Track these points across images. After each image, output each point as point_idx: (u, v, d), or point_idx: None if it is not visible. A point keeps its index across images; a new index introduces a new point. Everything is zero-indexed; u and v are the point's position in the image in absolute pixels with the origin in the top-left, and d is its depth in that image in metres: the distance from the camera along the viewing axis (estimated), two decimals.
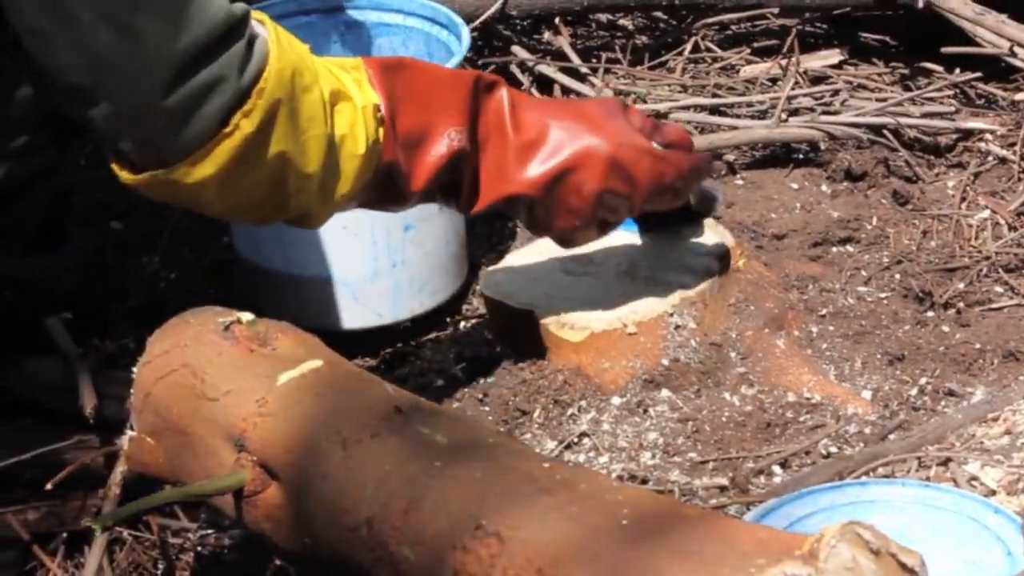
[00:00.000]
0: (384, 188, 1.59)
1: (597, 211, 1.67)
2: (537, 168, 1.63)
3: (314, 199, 1.52)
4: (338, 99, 1.51)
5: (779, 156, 2.34)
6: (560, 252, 1.84)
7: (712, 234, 1.93)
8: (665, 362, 1.85)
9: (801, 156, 2.34)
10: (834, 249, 2.16)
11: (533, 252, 1.95)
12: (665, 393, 1.85)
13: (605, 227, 1.71)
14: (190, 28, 1.38)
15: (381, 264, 1.97)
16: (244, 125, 1.43)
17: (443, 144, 1.59)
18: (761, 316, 1.91)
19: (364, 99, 1.53)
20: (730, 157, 2.35)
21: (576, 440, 1.76)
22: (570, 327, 1.84)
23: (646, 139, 1.68)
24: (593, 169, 1.64)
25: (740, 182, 2.31)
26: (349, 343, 1.85)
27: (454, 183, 1.64)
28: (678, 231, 1.87)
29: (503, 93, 1.65)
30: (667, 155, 1.69)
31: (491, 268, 1.97)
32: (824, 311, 1.99)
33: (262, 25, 1.47)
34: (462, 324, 2.02)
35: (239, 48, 1.42)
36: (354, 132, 1.51)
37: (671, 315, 1.85)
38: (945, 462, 1.66)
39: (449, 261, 2.03)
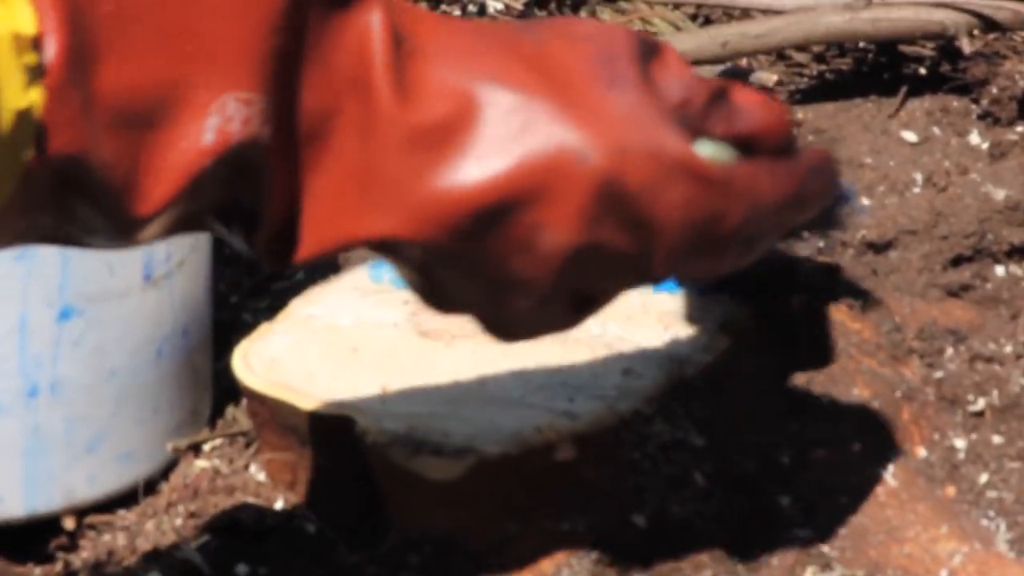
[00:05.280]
0: (64, 206, 1.04)
1: (566, 281, 1.18)
2: (449, 187, 1.12)
3: None
4: None
5: (875, 73, 1.88)
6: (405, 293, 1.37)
7: None
8: (639, 522, 1.31)
9: (924, 71, 1.85)
10: (999, 271, 1.69)
11: (342, 293, 1.46)
12: None
13: (584, 308, 1.24)
14: None
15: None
16: None
17: (207, 126, 1.07)
18: (843, 418, 1.43)
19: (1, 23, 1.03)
20: (768, 78, 1.87)
21: None
22: (433, 450, 1.26)
23: (686, 131, 1.16)
24: (566, 202, 1.13)
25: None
26: None
27: (239, 205, 1.11)
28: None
29: (373, 17, 1.09)
30: (733, 175, 1.17)
31: (259, 333, 1.42)
32: (981, 403, 1.50)
33: None
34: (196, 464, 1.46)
35: None
36: None
37: (645, 416, 1.31)
38: None
39: (175, 377, 1.43)
